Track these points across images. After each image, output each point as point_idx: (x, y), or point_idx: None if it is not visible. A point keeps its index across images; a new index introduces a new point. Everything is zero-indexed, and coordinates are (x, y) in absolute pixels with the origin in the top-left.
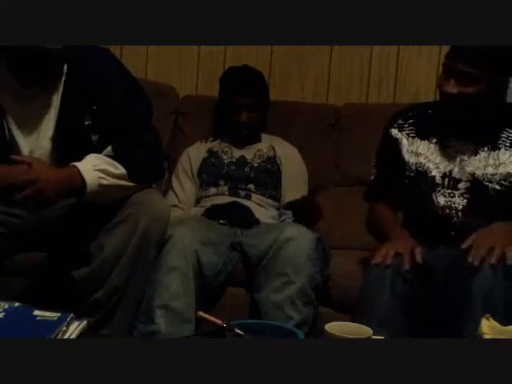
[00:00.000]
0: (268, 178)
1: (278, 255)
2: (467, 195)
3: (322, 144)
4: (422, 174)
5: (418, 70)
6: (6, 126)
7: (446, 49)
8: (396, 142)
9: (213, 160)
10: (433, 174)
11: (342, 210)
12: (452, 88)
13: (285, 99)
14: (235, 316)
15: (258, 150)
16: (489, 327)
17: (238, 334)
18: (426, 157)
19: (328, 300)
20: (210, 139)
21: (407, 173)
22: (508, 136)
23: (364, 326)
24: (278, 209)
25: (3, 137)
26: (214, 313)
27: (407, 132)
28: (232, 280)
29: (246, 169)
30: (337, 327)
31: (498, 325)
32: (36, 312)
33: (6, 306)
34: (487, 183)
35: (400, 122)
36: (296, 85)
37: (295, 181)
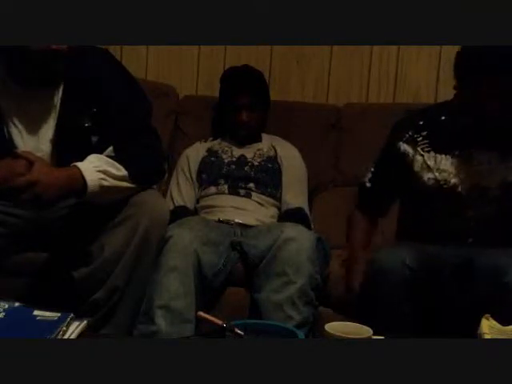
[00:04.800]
0: (268, 176)
1: (278, 255)
2: (498, 204)
3: (322, 144)
4: (447, 191)
5: (417, 70)
6: (5, 128)
7: (446, 49)
8: (405, 158)
9: (213, 159)
10: (459, 189)
11: (341, 210)
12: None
13: (285, 99)
14: (235, 316)
15: (258, 150)
16: (489, 327)
17: (238, 334)
18: (451, 173)
19: (328, 300)
20: (210, 139)
21: (422, 188)
22: None
23: (364, 326)
24: (278, 208)
25: (3, 139)
26: (214, 313)
27: (421, 147)
28: (232, 280)
29: (246, 168)
30: (337, 327)
31: (497, 325)
32: (36, 312)
33: (6, 306)
34: None
35: (411, 134)
36: (296, 85)
37: (295, 181)
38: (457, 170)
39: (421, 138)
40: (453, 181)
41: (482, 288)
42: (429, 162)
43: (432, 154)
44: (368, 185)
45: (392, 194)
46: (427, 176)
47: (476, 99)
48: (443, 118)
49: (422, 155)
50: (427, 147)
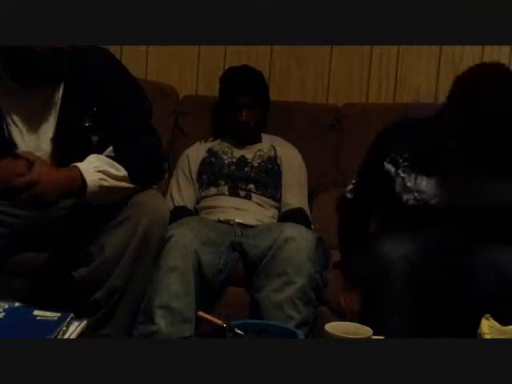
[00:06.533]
0: (268, 177)
1: (278, 255)
2: (485, 222)
3: (322, 144)
4: (427, 211)
5: (417, 70)
6: (5, 127)
7: (446, 49)
8: (387, 177)
9: (213, 160)
10: (441, 209)
11: None
12: None
13: (285, 99)
14: (235, 316)
15: (259, 150)
16: (489, 327)
17: (238, 333)
18: (430, 194)
19: (328, 300)
20: (210, 139)
21: (401, 207)
22: None
23: (364, 326)
24: (278, 209)
25: (3, 138)
26: (214, 313)
27: (403, 168)
28: (232, 280)
29: (247, 169)
30: (337, 327)
31: (497, 325)
32: (36, 312)
33: (6, 306)
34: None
35: (394, 155)
36: (296, 85)
37: (296, 181)
38: (438, 191)
39: (402, 160)
40: (432, 202)
41: (482, 286)
42: (408, 184)
43: (413, 175)
44: (349, 196)
45: (372, 205)
46: (406, 196)
47: (466, 127)
48: (429, 139)
49: (403, 177)
50: (408, 169)
